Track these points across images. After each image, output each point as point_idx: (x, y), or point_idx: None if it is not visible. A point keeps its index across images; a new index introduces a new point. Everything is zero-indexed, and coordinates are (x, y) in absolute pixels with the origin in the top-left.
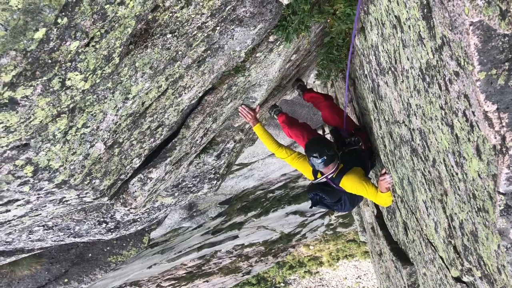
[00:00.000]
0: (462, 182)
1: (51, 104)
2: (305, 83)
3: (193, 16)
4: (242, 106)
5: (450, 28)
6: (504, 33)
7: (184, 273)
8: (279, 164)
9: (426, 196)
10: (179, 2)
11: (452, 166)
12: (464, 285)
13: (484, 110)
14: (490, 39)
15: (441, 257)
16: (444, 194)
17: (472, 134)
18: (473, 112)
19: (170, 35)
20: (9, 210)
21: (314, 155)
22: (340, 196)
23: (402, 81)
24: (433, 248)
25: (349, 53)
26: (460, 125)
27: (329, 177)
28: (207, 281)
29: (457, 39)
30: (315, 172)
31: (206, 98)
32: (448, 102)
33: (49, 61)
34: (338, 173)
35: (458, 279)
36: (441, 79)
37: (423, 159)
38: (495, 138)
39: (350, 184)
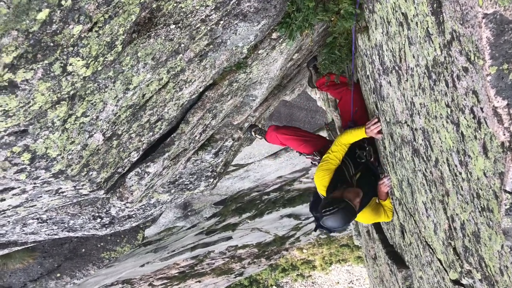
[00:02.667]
0: (466, 181)
1: (52, 90)
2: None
3: (197, 7)
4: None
5: (461, 22)
6: None
7: (177, 273)
8: (275, 166)
9: (427, 197)
10: None
11: (456, 166)
12: (463, 287)
13: (494, 105)
14: (503, 32)
15: (439, 260)
16: (445, 194)
17: (479, 131)
18: (481, 109)
19: (174, 26)
20: (4, 199)
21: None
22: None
23: (407, 80)
24: (431, 250)
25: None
26: (467, 123)
27: None
28: (199, 281)
29: (468, 33)
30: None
31: (206, 93)
32: (455, 99)
33: (51, 44)
34: None
35: (456, 282)
36: (448, 75)
37: (425, 159)
38: (504, 134)
39: (364, 218)
